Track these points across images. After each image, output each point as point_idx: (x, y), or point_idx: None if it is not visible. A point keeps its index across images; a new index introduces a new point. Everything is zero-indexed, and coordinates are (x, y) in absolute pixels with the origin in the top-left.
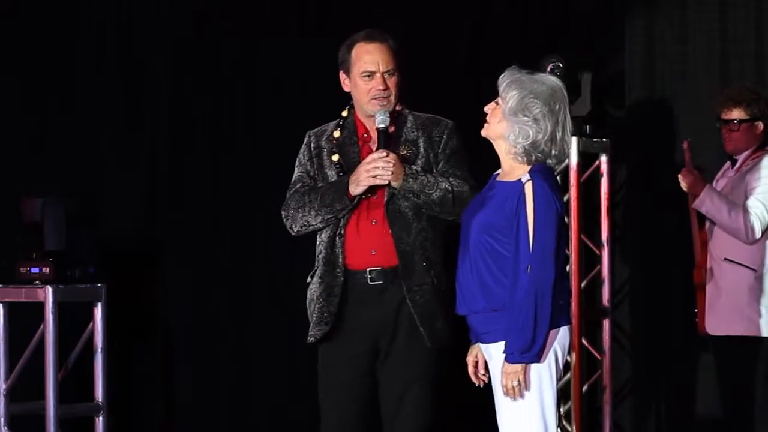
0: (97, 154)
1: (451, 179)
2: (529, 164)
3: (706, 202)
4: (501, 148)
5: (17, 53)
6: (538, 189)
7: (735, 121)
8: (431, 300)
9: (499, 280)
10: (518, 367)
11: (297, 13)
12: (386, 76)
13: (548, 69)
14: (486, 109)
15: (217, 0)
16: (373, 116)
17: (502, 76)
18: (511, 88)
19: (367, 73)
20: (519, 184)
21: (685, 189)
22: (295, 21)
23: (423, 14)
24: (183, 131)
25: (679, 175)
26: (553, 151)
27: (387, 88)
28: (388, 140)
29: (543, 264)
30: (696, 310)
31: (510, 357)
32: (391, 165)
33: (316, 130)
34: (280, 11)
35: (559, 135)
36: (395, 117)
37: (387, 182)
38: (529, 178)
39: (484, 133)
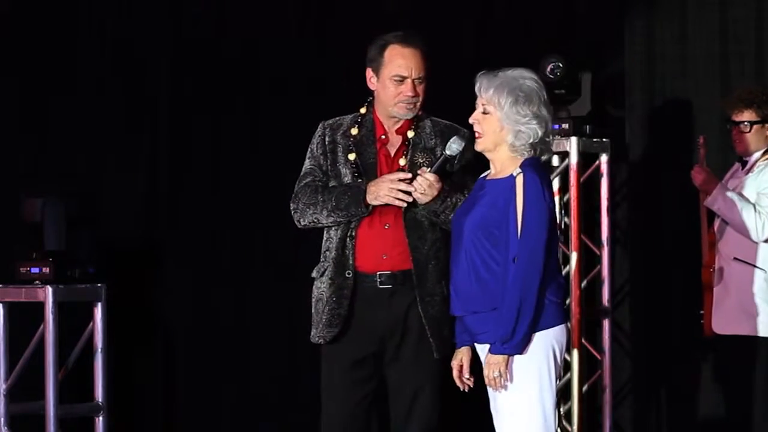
0: (97, 154)
1: (466, 192)
2: (532, 155)
3: (719, 200)
4: (499, 151)
5: (17, 53)
6: (528, 181)
7: (745, 123)
8: (440, 310)
9: (496, 277)
10: (500, 358)
11: (297, 13)
12: (416, 82)
13: (548, 69)
14: (473, 120)
15: (217, 0)
16: (395, 117)
17: (477, 84)
18: (500, 94)
19: (399, 77)
20: (511, 179)
21: (697, 186)
22: (295, 21)
23: (424, 15)
24: (183, 131)
25: (692, 172)
26: (552, 140)
27: (416, 95)
28: (445, 168)
29: (530, 255)
30: (702, 312)
31: (492, 347)
32: (418, 193)
33: (331, 121)
34: (280, 11)
35: (551, 124)
36: (415, 122)
37: (405, 205)
38: (520, 171)
39: (480, 146)
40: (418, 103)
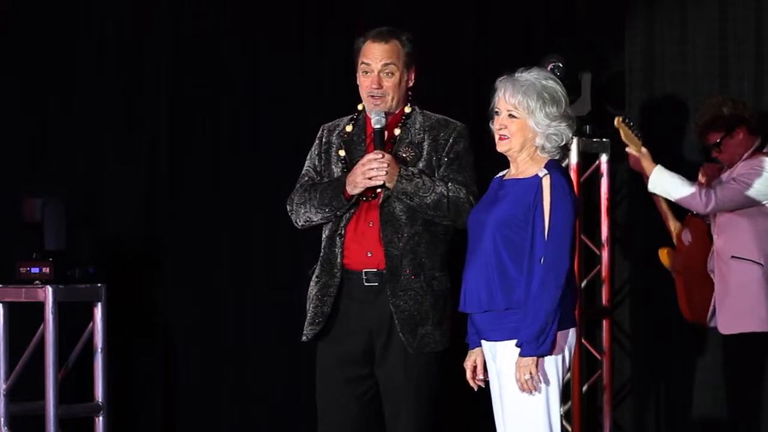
0: (97, 154)
1: (449, 184)
2: (560, 157)
3: (658, 181)
4: (523, 153)
5: (17, 53)
6: (556, 183)
7: (716, 143)
8: (418, 306)
9: (515, 276)
10: (530, 360)
11: (297, 13)
12: (383, 75)
13: (548, 69)
14: (500, 125)
15: (217, 0)
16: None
17: (501, 90)
18: (530, 98)
19: (365, 68)
20: (536, 179)
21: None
22: (295, 21)
23: (423, 15)
24: (183, 131)
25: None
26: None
27: (380, 87)
28: (383, 141)
29: (558, 257)
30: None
31: (523, 350)
32: (386, 166)
33: (329, 123)
34: (280, 11)
35: (575, 122)
36: (402, 118)
37: (382, 183)
38: (547, 172)
39: (505, 148)
40: (388, 98)
